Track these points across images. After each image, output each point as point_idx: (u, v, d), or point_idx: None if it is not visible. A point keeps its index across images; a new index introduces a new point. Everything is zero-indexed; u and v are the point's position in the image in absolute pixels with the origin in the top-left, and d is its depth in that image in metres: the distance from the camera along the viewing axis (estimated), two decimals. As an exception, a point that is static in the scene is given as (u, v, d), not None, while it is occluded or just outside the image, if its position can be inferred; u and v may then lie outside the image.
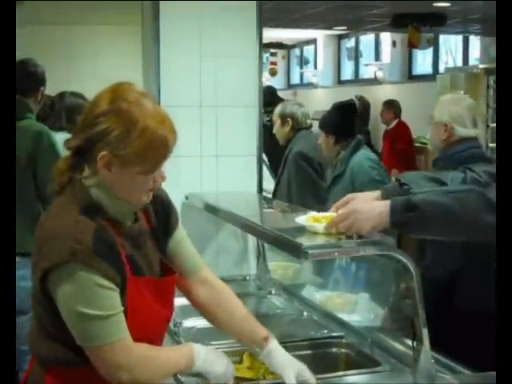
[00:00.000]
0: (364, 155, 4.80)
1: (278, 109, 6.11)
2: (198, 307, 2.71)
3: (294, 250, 2.74)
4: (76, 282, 2.14)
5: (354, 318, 3.48)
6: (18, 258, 4.04)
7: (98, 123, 2.18)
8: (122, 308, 2.23)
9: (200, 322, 3.37)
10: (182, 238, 2.62)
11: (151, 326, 2.42)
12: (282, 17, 11.41)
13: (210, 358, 2.41)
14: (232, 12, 4.24)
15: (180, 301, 3.62)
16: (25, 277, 3.99)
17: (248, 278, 4.29)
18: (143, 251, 2.40)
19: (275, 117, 6.15)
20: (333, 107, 5.15)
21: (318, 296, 3.91)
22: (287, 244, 2.87)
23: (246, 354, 3.06)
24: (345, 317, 3.51)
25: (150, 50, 4.22)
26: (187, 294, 2.69)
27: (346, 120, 4.95)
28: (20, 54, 6.23)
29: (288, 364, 2.58)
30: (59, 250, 2.12)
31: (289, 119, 5.95)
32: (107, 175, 2.21)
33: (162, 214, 2.51)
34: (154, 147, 2.19)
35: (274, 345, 2.62)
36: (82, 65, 7.07)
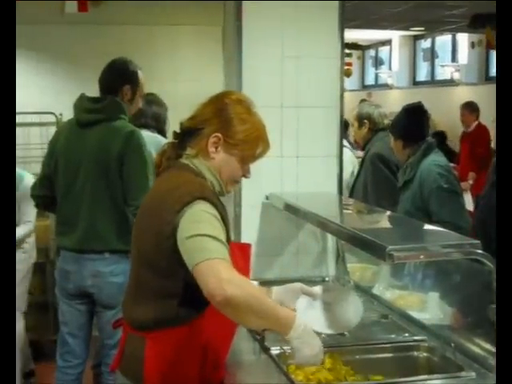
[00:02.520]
0: (433, 161, 4.70)
1: (355, 110, 6.09)
2: None
3: (379, 252, 2.72)
4: (199, 213, 2.47)
5: (423, 317, 3.48)
6: (107, 255, 4.12)
7: (217, 110, 2.70)
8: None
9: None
10: None
11: None
12: (358, 17, 11.35)
13: (305, 338, 2.49)
14: (314, 12, 4.23)
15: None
16: (114, 273, 4.08)
17: (327, 279, 4.27)
18: None
19: (352, 119, 6.13)
20: (401, 110, 5.10)
21: (388, 294, 3.89)
22: (371, 245, 2.84)
23: (327, 356, 3.06)
24: (415, 315, 3.51)
25: (231, 50, 4.22)
26: None
27: (414, 123, 4.87)
28: (97, 53, 6.33)
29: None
30: (190, 192, 2.51)
31: (365, 121, 5.93)
32: (213, 154, 2.68)
33: None
34: (256, 142, 2.72)
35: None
36: (162, 65, 7.12)
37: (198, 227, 2.43)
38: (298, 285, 2.99)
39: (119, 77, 4.36)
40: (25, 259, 5.67)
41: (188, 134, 2.74)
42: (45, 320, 6.54)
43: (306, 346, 2.49)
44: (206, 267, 2.33)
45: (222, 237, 2.45)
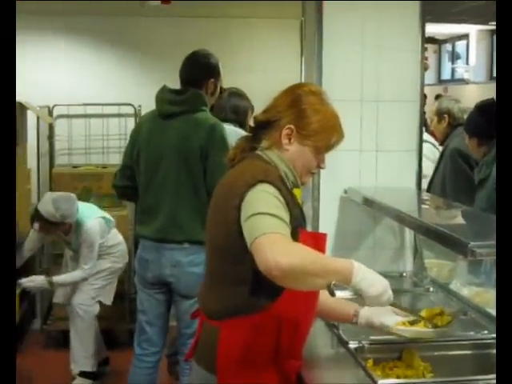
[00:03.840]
0: None
1: (434, 105, 6.08)
2: None
3: (460, 248, 2.69)
4: (261, 193, 2.49)
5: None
6: (186, 245, 4.17)
7: (288, 103, 2.70)
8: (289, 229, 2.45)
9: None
10: None
11: None
12: (436, 11, 11.22)
13: (369, 278, 2.41)
14: (395, 5, 4.20)
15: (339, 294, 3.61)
16: (193, 263, 4.12)
17: (404, 274, 4.25)
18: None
19: (431, 114, 6.12)
20: (474, 108, 5.04)
21: (465, 291, 3.85)
22: (452, 241, 2.81)
23: (405, 351, 3.06)
24: (493, 312, 3.43)
25: (311, 43, 4.22)
26: None
27: (487, 121, 4.80)
28: (177, 45, 6.39)
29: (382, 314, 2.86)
30: (253, 176, 2.53)
31: (445, 115, 5.98)
32: (286, 145, 2.68)
33: None
34: (330, 132, 2.71)
35: (363, 312, 2.89)
36: (239, 57, 7.16)
37: (256, 206, 2.44)
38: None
39: (203, 70, 4.37)
40: (115, 261, 5.91)
41: (262, 126, 2.74)
42: (120, 309, 6.65)
43: (372, 286, 2.41)
44: (258, 243, 2.33)
45: (282, 214, 2.44)
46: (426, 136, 6.49)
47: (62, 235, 5.77)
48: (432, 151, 6.18)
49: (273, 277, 2.29)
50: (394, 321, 2.87)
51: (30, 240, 5.93)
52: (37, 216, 5.55)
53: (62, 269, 6.04)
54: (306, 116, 2.67)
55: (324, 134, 2.69)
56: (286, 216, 2.46)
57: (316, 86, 2.90)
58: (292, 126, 2.67)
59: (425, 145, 6.15)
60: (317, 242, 2.64)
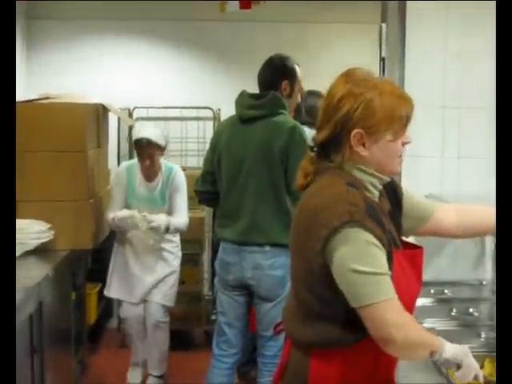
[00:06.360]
0: None
1: None
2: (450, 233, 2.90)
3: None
4: (352, 242, 2.30)
5: None
6: (267, 248, 4.20)
7: (340, 108, 2.40)
8: (390, 272, 2.34)
9: (439, 324, 3.36)
10: (410, 196, 2.74)
11: (409, 300, 2.48)
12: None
13: (459, 356, 2.35)
14: (479, 9, 4.16)
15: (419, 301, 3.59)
16: (274, 266, 4.15)
17: (484, 282, 4.20)
18: (390, 226, 2.53)
19: None
20: None
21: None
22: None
23: (487, 360, 3.02)
24: None
25: (394, 48, 4.22)
26: (438, 231, 2.84)
27: None
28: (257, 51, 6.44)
29: None
30: (338, 214, 2.31)
31: None
32: (363, 152, 2.42)
33: (391, 194, 2.65)
34: (397, 109, 2.39)
35: None
36: (316, 62, 7.16)
37: (351, 259, 2.30)
38: None
39: (277, 72, 4.43)
40: (176, 255, 5.77)
41: (325, 145, 2.49)
42: (196, 310, 6.70)
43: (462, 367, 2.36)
44: (370, 313, 2.28)
45: (380, 263, 2.31)
46: None
47: (147, 182, 5.61)
48: None
49: (382, 345, 2.30)
50: None
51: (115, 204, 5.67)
52: (145, 143, 5.42)
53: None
54: (365, 109, 2.37)
55: (392, 112, 2.39)
56: (383, 259, 2.33)
57: (350, 70, 2.50)
58: (359, 130, 2.38)
59: None
60: (413, 260, 2.53)
